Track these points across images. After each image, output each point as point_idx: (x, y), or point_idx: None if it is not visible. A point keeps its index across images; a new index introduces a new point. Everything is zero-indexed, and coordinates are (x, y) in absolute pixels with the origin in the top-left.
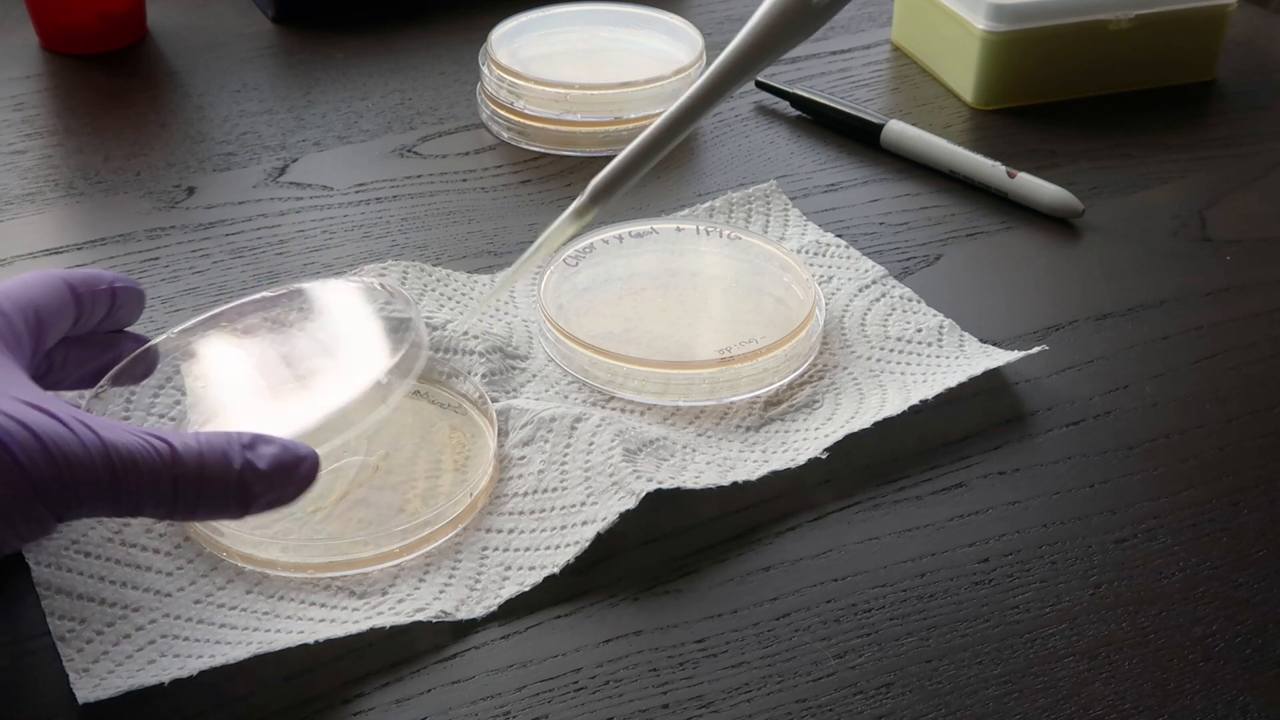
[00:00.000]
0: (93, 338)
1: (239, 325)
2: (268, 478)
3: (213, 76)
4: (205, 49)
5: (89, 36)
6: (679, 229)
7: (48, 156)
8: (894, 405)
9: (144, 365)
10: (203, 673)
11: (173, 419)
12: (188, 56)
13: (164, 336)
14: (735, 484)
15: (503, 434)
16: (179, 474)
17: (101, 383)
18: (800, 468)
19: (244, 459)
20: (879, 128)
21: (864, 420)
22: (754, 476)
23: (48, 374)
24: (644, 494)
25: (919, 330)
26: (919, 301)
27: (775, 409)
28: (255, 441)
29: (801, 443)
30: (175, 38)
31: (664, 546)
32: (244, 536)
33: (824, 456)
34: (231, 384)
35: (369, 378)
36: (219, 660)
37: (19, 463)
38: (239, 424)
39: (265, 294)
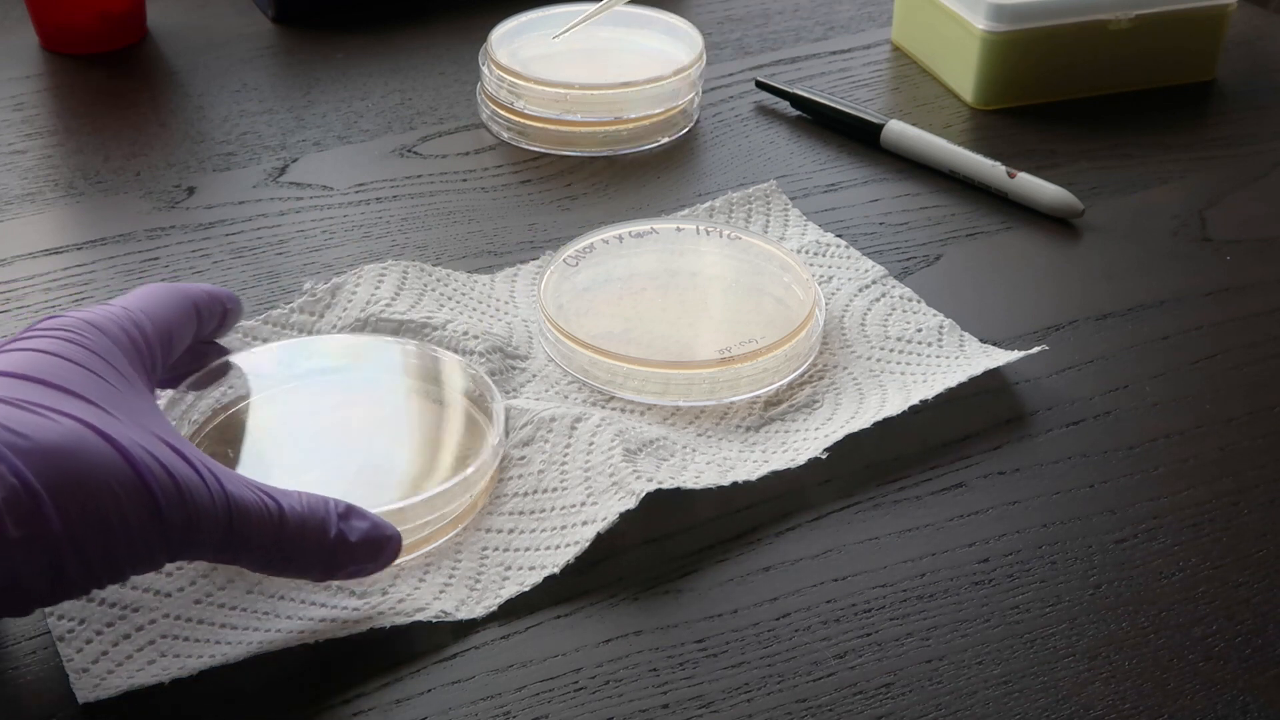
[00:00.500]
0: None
1: (322, 361)
2: (355, 550)
3: (213, 76)
4: (205, 49)
5: (89, 36)
6: (679, 229)
7: (48, 156)
8: (894, 405)
9: (218, 375)
10: (202, 672)
11: (175, 420)
12: (188, 56)
13: (245, 353)
14: (735, 484)
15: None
16: (282, 536)
17: (181, 386)
18: (800, 468)
19: (338, 529)
20: (879, 128)
21: (864, 420)
22: (754, 476)
23: None
24: (644, 494)
25: (919, 330)
26: (919, 301)
27: (775, 409)
28: (350, 513)
29: (801, 443)
30: (175, 38)
31: (664, 546)
32: None
33: (824, 457)
34: (310, 431)
35: (450, 475)
36: (219, 660)
37: (156, 501)
38: (326, 481)
39: (366, 337)
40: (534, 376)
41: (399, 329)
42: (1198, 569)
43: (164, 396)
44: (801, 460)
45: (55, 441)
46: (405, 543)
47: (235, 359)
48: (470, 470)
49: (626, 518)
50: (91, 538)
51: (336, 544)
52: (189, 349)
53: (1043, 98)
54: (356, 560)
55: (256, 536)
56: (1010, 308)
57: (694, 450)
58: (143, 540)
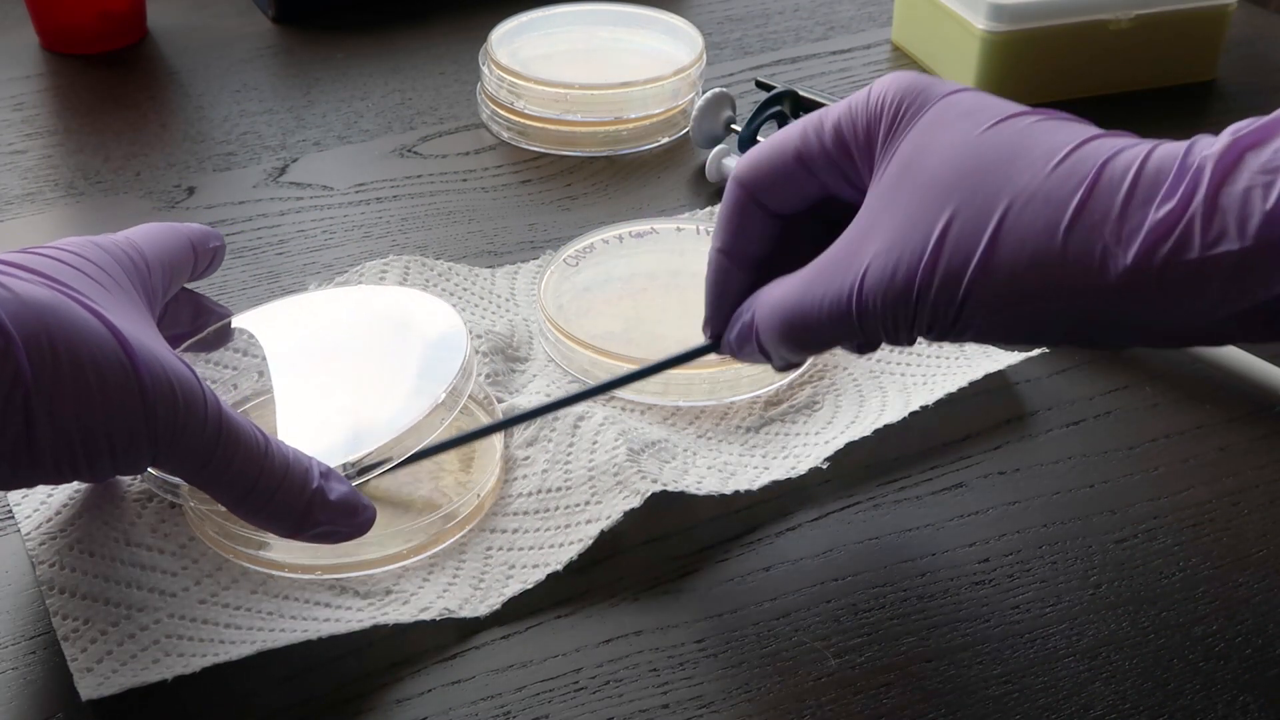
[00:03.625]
0: (185, 298)
1: (302, 318)
2: (331, 509)
3: (213, 76)
4: (205, 49)
5: (89, 36)
6: (679, 229)
7: (48, 156)
8: (894, 411)
9: (219, 338)
10: (205, 671)
11: None
12: (188, 56)
13: (240, 315)
14: (737, 492)
15: (507, 434)
16: (265, 467)
17: (183, 347)
18: None
19: (319, 484)
20: None
21: (863, 427)
22: (755, 486)
23: None
24: (649, 494)
25: None
26: None
27: (775, 409)
28: (331, 475)
29: (801, 449)
30: (175, 38)
31: (664, 546)
32: (251, 537)
33: (825, 467)
34: (291, 383)
35: (425, 403)
36: (222, 658)
37: (140, 378)
38: (299, 429)
39: (333, 289)
40: (534, 377)
41: None
42: (1198, 569)
43: None
44: (802, 470)
45: (37, 298)
46: (412, 544)
47: (234, 319)
48: (441, 398)
49: (628, 517)
50: (64, 394)
51: (314, 496)
52: (188, 303)
53: (1042, 98)
54: (330, 518)
55: (241, 459)
56: None
57: (695, 454)
58: (123, 416)
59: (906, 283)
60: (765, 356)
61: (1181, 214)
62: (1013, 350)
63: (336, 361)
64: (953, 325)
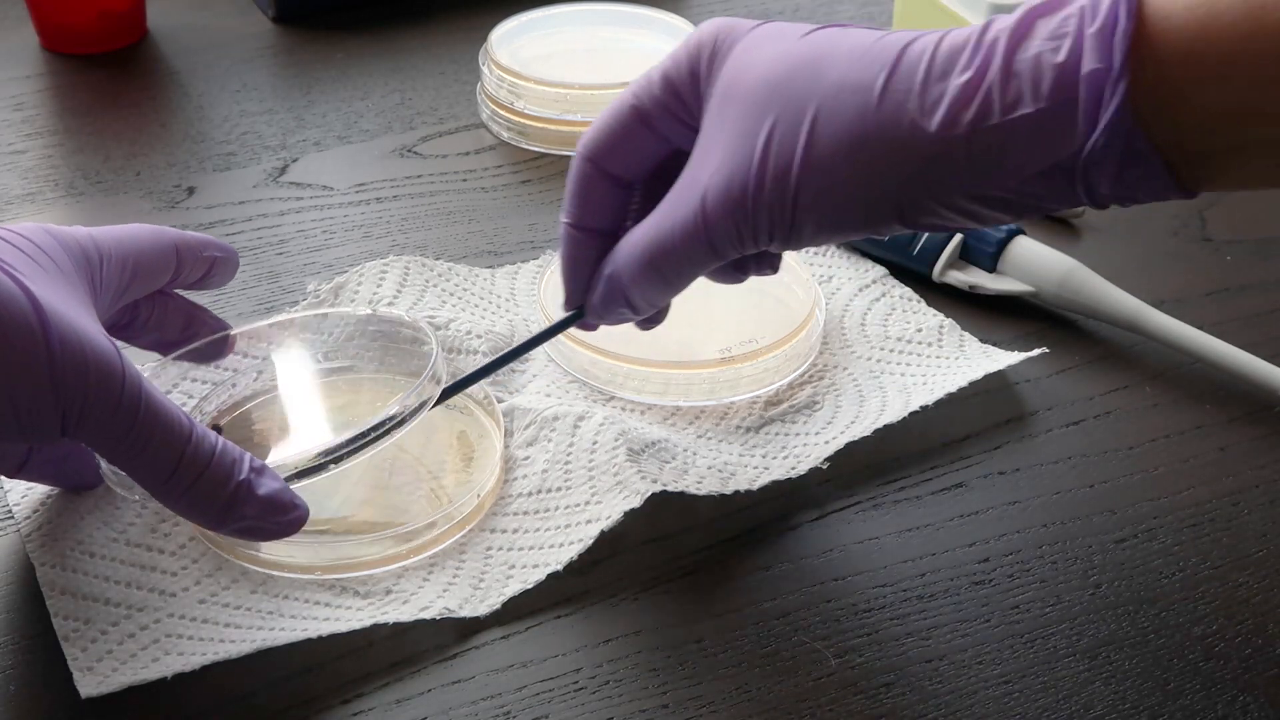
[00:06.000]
0: (177, 306)
1: (282, 337)
2: (257, 503)
3: (213, 76)
4: (205, 49)
5: (89, 36)
6: None
7: (48, 156)
8: (894, 411)
9: (214, 351)
10: (205, 671)
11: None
12: (188, 56)
13: (235, 330)
14: (737, 492)
15: (507, 434)
16: (187, 452)
17: (173, 355)
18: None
19: (247, 477)
20: None
21: (863, 427)
22: (755, 486)
23: (129, 325)
24: (649, 494)
25: (919, 330)
26: (919, 301)
27: (775, 409)
28: (264, 470)
29: (801, 449)
30: (175, 38)
31: (664, 546)
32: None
33: (824, 467)
34: (260, 394)
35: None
36: (221, 656)
37: (48, 336)
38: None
39: (314, 312)
40: (535, 377)
41: None
42: (1198, 569)
43: (150, 363)
44: (802, 470)
45: None
46: (413, 544)
47: (232, 333)
48: (394, 411)
49: (628, 517)
50: None
51: (240, 488)
52: (182, 311)
53: None
54: (256, 513)
55: (160, 440)
56: (1010, 307)
57: (695, 453)
58: (27, 378)
59: (741, 191)
60: (630, 309)
61: (980, 81)
62: (1012, 349)
63: (312, 380)
64: (791, 224)
